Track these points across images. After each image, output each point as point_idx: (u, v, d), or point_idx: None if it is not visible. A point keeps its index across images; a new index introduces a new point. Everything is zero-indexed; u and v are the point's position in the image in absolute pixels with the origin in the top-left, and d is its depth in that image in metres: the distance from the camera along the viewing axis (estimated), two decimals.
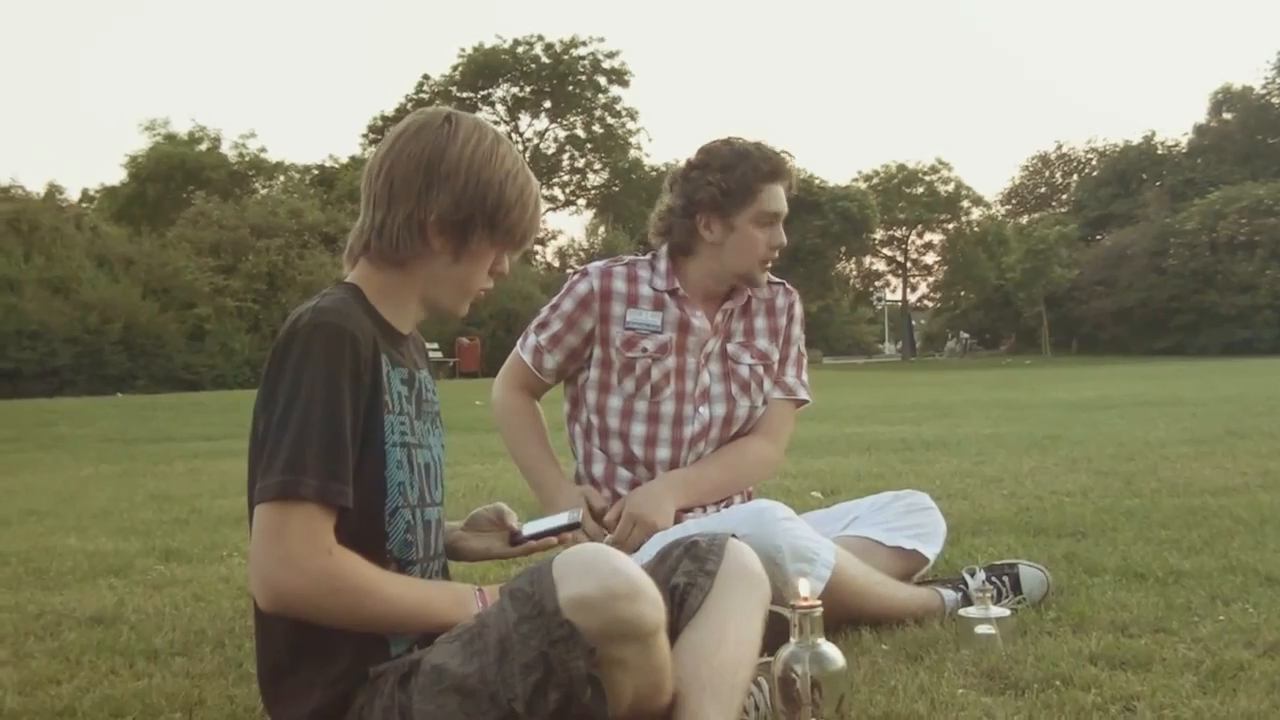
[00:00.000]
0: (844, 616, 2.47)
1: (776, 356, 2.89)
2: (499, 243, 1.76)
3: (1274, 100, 55.69)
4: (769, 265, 2.81)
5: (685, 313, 2.78)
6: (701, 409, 2.79)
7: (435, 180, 1.69)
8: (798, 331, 2.96)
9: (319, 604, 1.57)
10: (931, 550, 2.80)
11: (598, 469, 2.83)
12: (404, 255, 1.71)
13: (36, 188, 33.26)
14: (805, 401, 2.95)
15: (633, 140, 51.04)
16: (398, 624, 1.66)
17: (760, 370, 2.87)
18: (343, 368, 1.59)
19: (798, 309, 2.96)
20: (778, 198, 2.75)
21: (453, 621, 1.65)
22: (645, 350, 2.77)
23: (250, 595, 2.90)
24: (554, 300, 2.84)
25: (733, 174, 2.70)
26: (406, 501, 1.71)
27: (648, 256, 2.87)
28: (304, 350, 1.59)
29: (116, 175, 46.12)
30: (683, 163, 2.83)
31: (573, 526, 2.00)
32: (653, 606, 1.54)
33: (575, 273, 2.86)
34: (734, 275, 2.78)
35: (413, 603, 1.65)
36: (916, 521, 2.80)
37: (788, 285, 2.96)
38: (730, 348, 2.85)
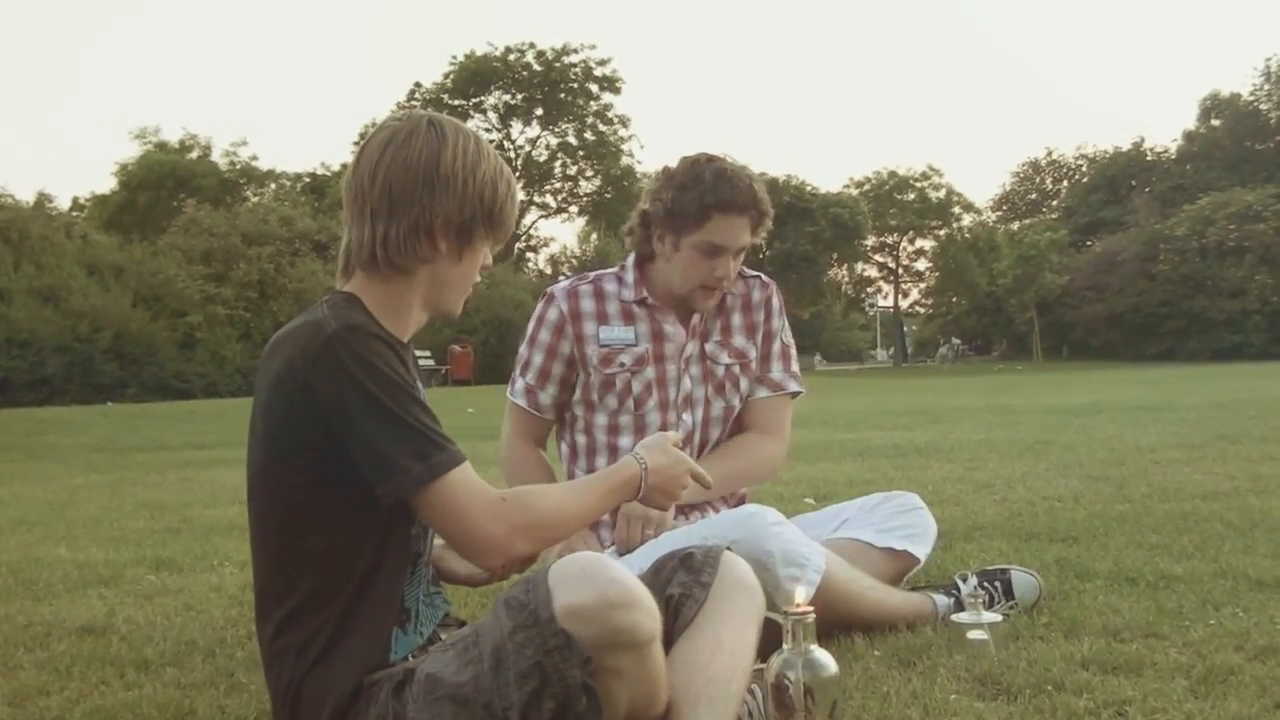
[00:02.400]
0: (836, 622, 2.47)
1: (754, 354, 2.86)
2: (493, 237, 1.79)
3: (1262, 107, 56.02)
4: (714, 294, 2.74)
5: (657, 321, 2.77)
6: (685, 416, 2.78)
7: (436, 185, 1.69)
8: (778, 324, 2.90)
9: (530, 542, 1.68)
10: (922, 550, 2.79)
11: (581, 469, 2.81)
12: (411, 263, 1.71)
13: (26, 196, 33.35)
14: (798, 393, 2.92)
15: (624, 147, 51.19)
16: (588, 521, 1.84)
17: (736, 370, 2.84)
18: (389, 357, 1.63)
19: (776, 301, 2.90)
20: (727, 230, 2.65)
21: (625, 489, 1.81)
22: (623, 365, 2.75)
23: (241, 605, 2.89)
24: (529, 335, 2.81)
25: (683, 195, 2.64)
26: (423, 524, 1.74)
27: (615, 269, 2.85)
28: (351, 354, 1.59)
29: (107, 183, 46.20)
30: (658, 170, 2.78)
31: None
32: (648, 615, 1.54)
33: (540, 300, 2.84)
34: (676, 294, 2.75)
35: (595, 505, 1.79)
36: (907, 522, 2.79)
37: (764, 278, 2.91)
38: (709, 347, 2.81)
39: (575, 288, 2.81)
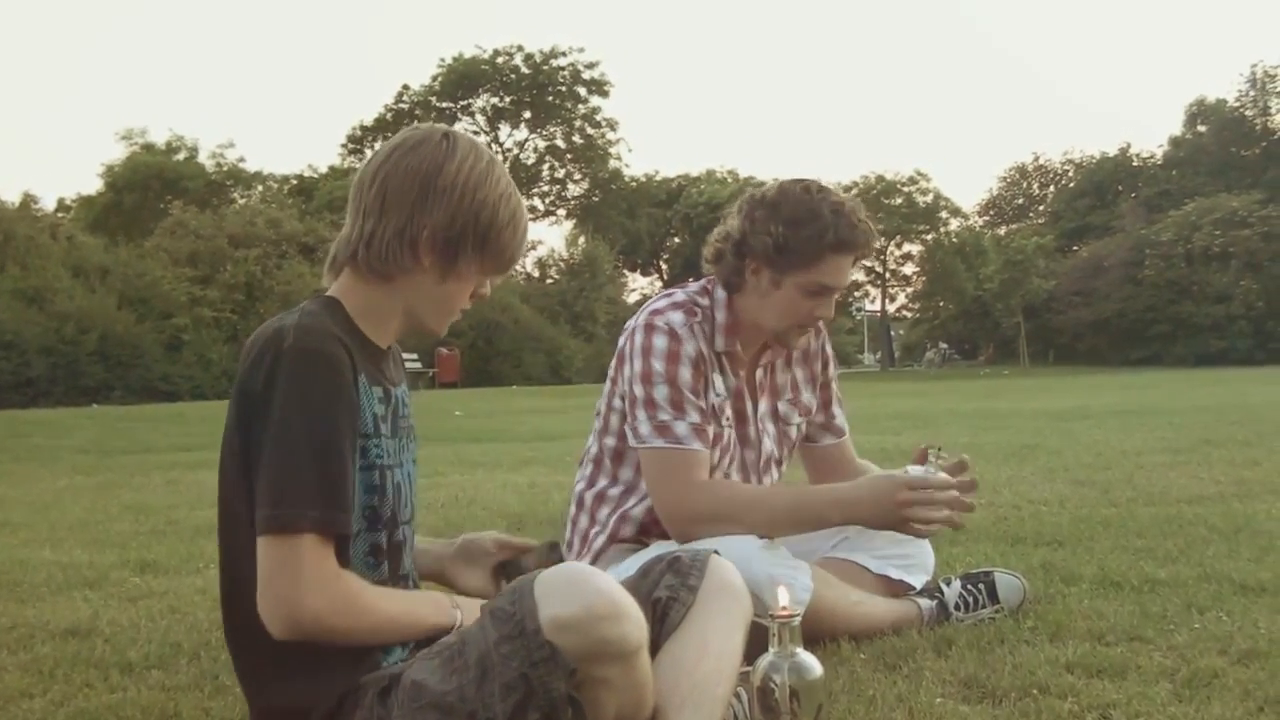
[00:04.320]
0: (823, 635, 2.47)
1: (815, 406, 2.80)
2: (486, 265, 1.75)
3: (1247, 113, 56.29)
4: (808, 332, 2.62)
5: (738, 377, 2.61)
6: (765, 479, 2.69)
7: (431, 194, 1.67)
8: (833, 370, 2.85)
9: (331, 626, 1.58)
10: (919, 581, 2.75)
11: (638, 510, 2.59)
12: (391, 269, 1.69)
13: (11, 197, 33.11)
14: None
15: (612, 150, 51.22)
16: (389, 637, 1.67)
17: (803, 426, 2.78)
18: (332, 391, 1.58)
19: (829, 348, 2.84)
20: (838, 271, 2.49)
21: (437, 627, 1.68)
22: (729, 420, 2.58)
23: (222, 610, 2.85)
24: (658, 369, 2.47)
25: (797, 233, 2.44)
26: (376, 524, 1.70)
27: (701, 298, 2.59)
28: (291, 375, 1.56)
29: (93, 185, 46.04)
30: (756, 193, 2.57)
31: (555, 551, 1.98)
32: (635, 626, 1.54)
33: (655, 332, 2.50)
34: (767, 330, 2.59)
35: (400, 614, 1.67)
36: (905, 552, 2.74)
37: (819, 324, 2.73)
38: (782, 407, 2.71)
39: (692, 325, 2.53)
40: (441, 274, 1.71)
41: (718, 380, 2.56)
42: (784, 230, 2.46)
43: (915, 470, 2.42)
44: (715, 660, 1.72)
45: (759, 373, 2.67)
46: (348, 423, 1.60)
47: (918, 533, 2.45)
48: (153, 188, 41.34)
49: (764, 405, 2.69)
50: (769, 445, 2.70)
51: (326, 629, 1.58)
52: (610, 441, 2.62)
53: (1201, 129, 57.19)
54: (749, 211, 2.53)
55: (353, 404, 1.62)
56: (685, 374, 2.48)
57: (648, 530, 2.59)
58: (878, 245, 2.57)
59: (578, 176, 52.27)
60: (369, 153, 1.80)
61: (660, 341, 2.50)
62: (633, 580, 1.79)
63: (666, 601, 1.75)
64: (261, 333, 1.65)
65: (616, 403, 2.58)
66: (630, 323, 2.61)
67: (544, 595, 1.52)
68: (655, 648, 1.68)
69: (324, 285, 1.77)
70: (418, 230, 1.67)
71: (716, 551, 1.87)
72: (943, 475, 2.41)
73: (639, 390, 2.48)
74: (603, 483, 2.64)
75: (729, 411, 2.59)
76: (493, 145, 49.00)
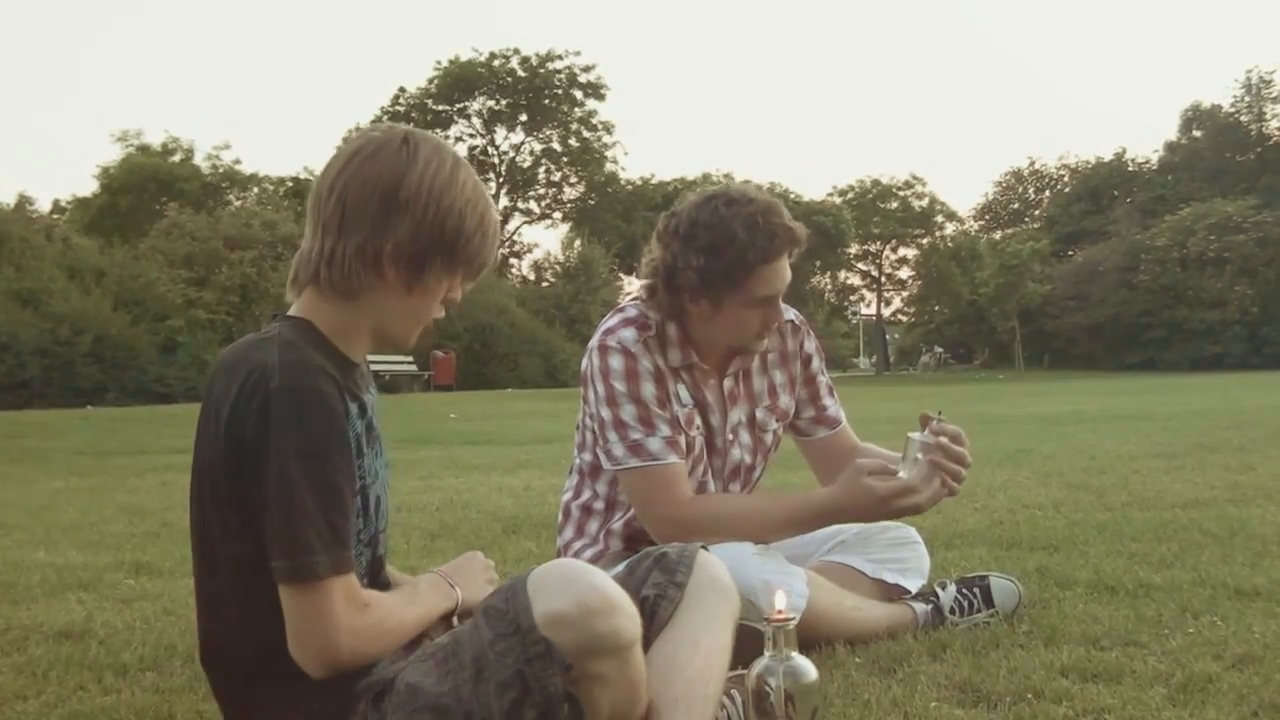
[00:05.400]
0: (819, 639, 2.48)
1: (793, 409, 2.77)
2: (455, 273, 1.68)
3: (1243, 119, 56.43)
4: (768, 336, 2.57)
5: (701, 389, 2.59)
6: (733, 485, 2.67)
7: (393, 207, 1.59)
8: (818, 363, 2.78)
9: (368, 655, 1.59)
10: (914, 585, 2.75)
11: (619, 525, 2.62)
12: (355, 287, 1.62)
13: (6, 198, 33.05)
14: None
15: (609, 154, 51.20)
16: (412, 637, 1.70)
17: (780, 430, 2.76)
18: (327, 430, 1.54)
19: (810, 344, 2.76)
20: (774, 278, 2.43)
21: (446, 612, 1.75)
22: (699, 429, 2.57)
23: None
24: (627, 393, 2.46)
25: (719, 259, 2.38)
26: (365, 543, 1.70)
27: (658, 316, 2.54)
28: (284, 420, 1.51)
29: (88, 186, 45.86)
30: (671, 221, 2.48)
31: None
32: (629, 620, 1.54)
33: (611, 354, 2.49)
34: (726, 345, 2.57)
35: (420, 614, 1.71)
36: (901, 556, 2.75)
37: (795, 320, 2.71)
38: (759, 414, 2.68)
39: (645, 340, 2.51)
40: (408, 287, 1.64)
41: (682, 390, 2.56)
42: (704, 261, 2.40)
43: (915, 436, 2.44)
44: (705, 658, 1.72)
45: (728, 382, 2.64)
46: (344, 457, 1.57)
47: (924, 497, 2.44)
48: (148, 189, 41.21)
49: (737, 414, 2.66)
50: (737, 454, 2.67)
51: (363, 658, 1.59)
52: (587, 456, 2.64)
53: (1197, 134, 57.35)
54: (667, 243, 2.47)
55: (346, 437, 1.58)
56: (648, 389, 2.48)
57: (635, 539, 2.59)
58: (805, 236, 2.47)
59: (574, 180, 52.25)
60: None
61: (616, 362, 2.49)
62: (620, 577, 1.77)
63: (654, 599, 1.75)
64: (240, 362, 1.57)
65: (589, 420, 2.59)
66: (590, 342, 2.59)
67: (537, 591, 1.52)
68: (645, 645, 1.66)
69: (288, 300, 1.70)
70: (380, 246, 1.59)
71: (704, 546, 1.86)
72: (942, 437, 2.45)
73: (606, 413, 2.48)
74: (586, 495, 2.67)
75: (698, 420, 2.59)
76: (489, 148, 49.04)
